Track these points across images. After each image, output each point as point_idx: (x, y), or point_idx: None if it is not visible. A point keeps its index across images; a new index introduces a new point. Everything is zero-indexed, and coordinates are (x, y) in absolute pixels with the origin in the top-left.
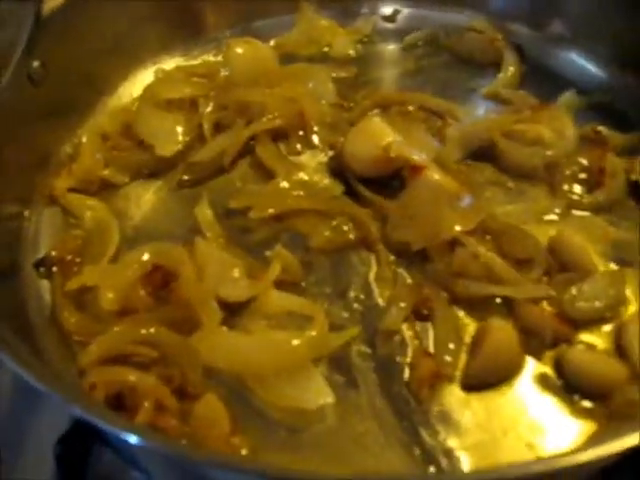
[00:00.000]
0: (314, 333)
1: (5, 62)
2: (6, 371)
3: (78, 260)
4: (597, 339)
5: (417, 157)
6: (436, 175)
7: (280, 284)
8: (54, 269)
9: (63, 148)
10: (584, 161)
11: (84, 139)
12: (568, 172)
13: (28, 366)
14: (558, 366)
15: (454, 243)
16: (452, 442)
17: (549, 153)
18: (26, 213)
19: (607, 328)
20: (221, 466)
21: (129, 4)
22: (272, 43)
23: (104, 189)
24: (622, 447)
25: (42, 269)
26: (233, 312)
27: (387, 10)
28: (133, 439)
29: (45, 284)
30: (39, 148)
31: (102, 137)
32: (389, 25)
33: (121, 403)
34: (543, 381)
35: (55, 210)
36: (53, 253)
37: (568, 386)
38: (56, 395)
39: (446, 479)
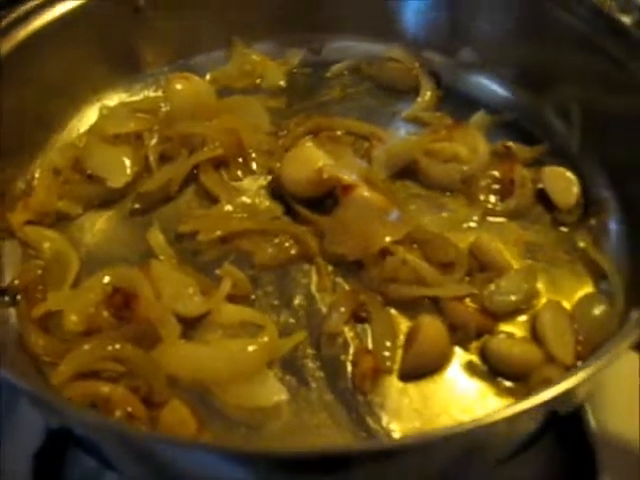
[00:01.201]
0: (266, 339)
1: None
2: None
3: (40, 287)
4: (515, 328)
5: (348, 177)
6: (366, 193)
7: (231, 298)
8: (18, 297)
9: (16, 184)
10: (496, 173)
11: (37, 174)
12: (483, 184)
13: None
14: (483, 354)
15: (385, 252)
16: (394, 426)
17: (465, 168)
18: None
19: (523, 318)
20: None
21: (70, 47)
22: (208, 77)
23: (59, 220)
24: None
25: (7, 298)
26: (190, 326)
27: (313, 43)
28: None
29: (11, 311)
30: None
31: (54, 172)
32: (315, 57)
33: None
34: (470, 368)
35: (15, 242)
36: (16, 282)
37: (492, 371)
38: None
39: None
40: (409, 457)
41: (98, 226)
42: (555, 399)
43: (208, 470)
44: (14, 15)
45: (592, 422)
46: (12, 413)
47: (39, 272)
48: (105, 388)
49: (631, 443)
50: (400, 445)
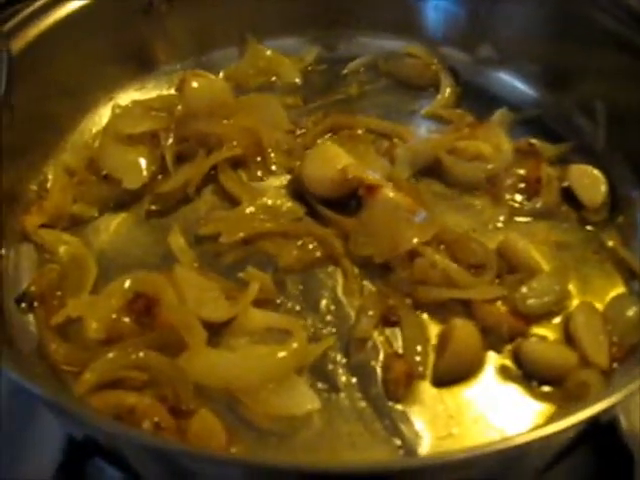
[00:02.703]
0: (296, 345)
1: None
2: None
3: (58, 293)
4: (548, 331)
5: (373, 177)
6: (391, 193)
7: (256, 302)
8: (35, 304)
9: (29, 186)
10: (521, 172)
11: (50, 176)
12: (508, 182)
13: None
14: (516, 358)
15: (413, 254)
16: (429, 433)
17: (489, 166)
18: (2, 251)
19: (556, 320)
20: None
21: (82, 45)
22: (221, 75)
23: (74, 223)
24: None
25: (23, 304)
26: (214, 332)
27: (328, 39)
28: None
29: (29, 318)
30: (7, 187)
31: (68, 173)
32: (331, 54)
33: None
34: (504, 372)
35: (30, 246)
36: (32, 288)
37: (526, 374)
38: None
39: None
40: (446, 474)
41: (114, 228)
42: (598, 414)
43: None
44: (25, 13)
45: (624, 425)
46: (31, 425)
47: (55, 277)
48: (131, 398)
49: None
50: (438, 462)
